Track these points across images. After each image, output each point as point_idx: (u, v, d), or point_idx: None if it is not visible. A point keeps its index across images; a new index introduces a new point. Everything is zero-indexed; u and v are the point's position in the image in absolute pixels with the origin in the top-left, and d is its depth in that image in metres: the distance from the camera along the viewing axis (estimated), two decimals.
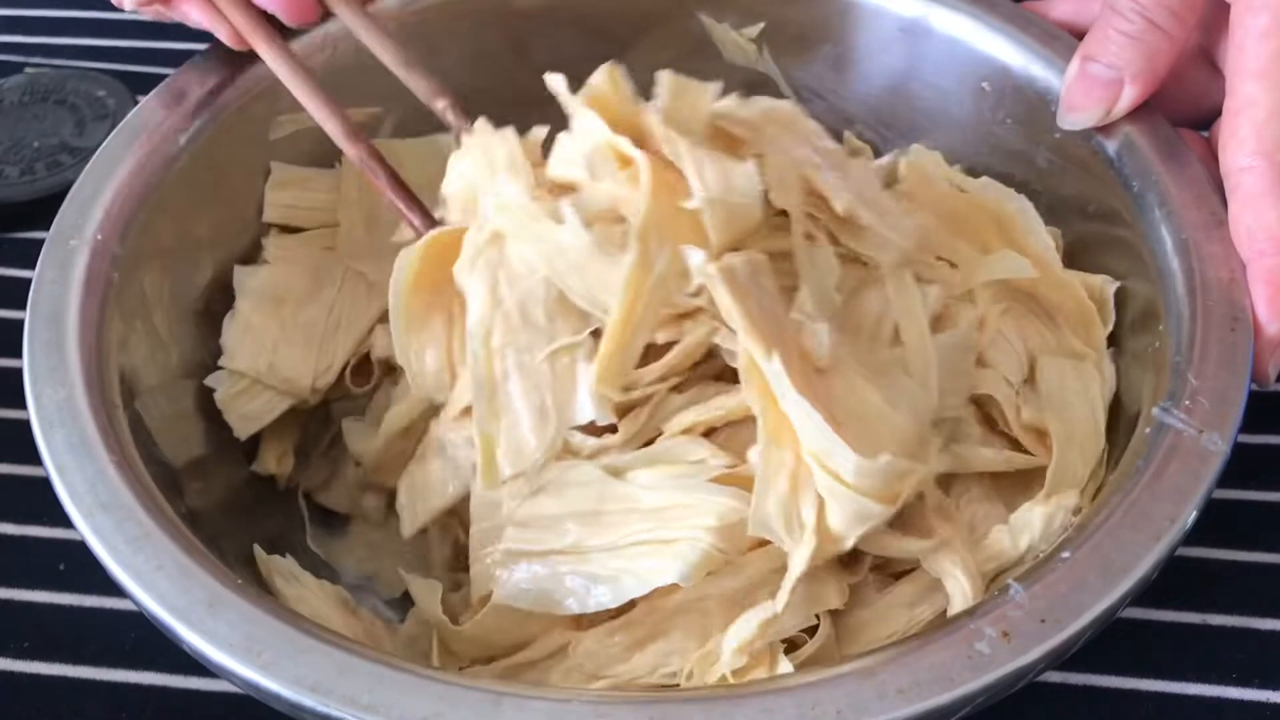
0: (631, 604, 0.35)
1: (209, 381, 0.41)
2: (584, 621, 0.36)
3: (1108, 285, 0.41)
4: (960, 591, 0.35)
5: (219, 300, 0.43)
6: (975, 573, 0.35)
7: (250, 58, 0.43)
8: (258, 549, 0.38)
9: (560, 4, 0.44)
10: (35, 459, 0.34)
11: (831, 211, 0.38)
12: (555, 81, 0.36)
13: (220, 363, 0.42)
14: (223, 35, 0.42)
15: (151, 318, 0.40)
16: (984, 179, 0.45)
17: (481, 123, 0.38)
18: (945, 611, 0.36)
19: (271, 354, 0.42)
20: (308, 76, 0.41)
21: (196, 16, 0.42)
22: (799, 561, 0.33)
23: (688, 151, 0.34)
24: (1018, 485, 0.39)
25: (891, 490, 0.33)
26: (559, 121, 0.37)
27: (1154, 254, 0.38)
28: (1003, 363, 0.40)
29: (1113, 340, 0.41)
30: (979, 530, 0.38)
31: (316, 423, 0.44)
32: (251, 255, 0.44)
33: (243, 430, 0.41)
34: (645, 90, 0.37)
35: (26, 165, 0.55)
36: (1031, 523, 0.36)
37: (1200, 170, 0.39)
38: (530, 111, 0.38)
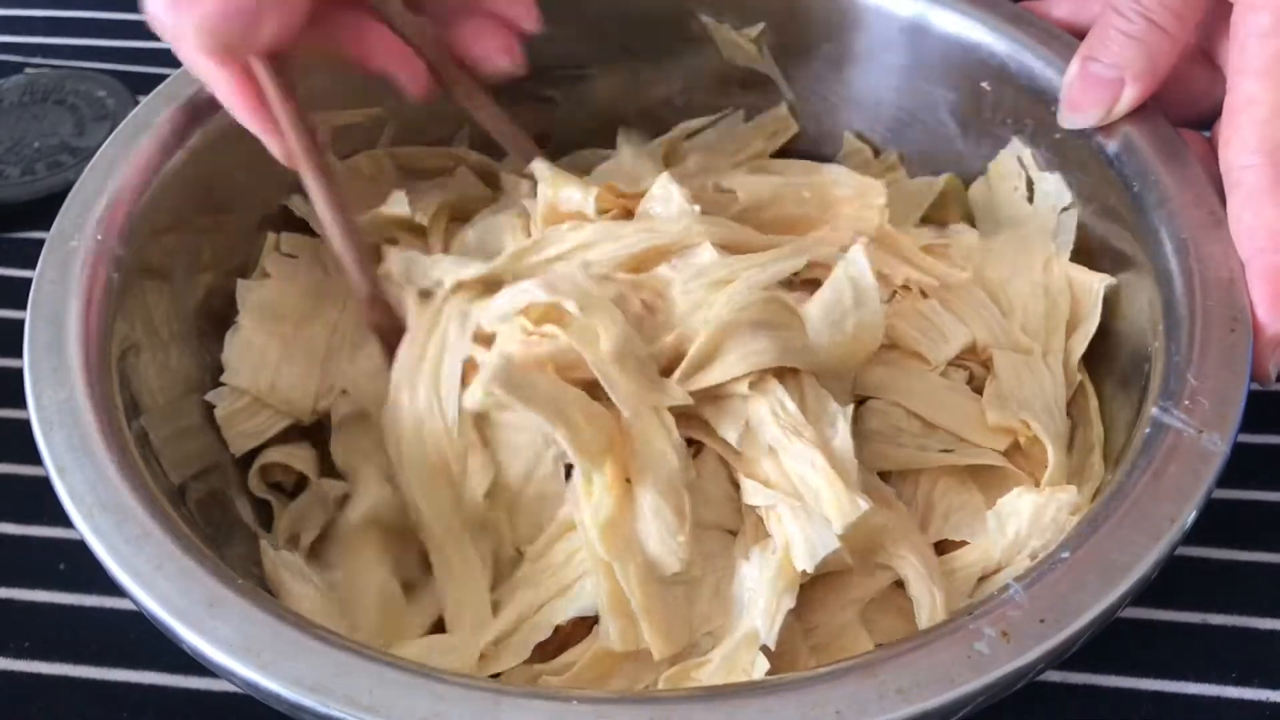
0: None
1: (210, 397, 0.41)
2: (549, 650, 0.36)
3: (1101, 283, 0.41)
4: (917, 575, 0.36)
5: (220, 302, 0.43)
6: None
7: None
8: (264, 544, 0.38)
9: (559, 5, 0.44)
10: (35, 459, 0.33)
11: None
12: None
13: (222, 379, 0.41)
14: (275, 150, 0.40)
15: (152, 318, 0.40)
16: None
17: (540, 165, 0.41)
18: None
19: (274, 374, 0.42)
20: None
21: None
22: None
23: None
24: (991, 473, 0.39)
25: None
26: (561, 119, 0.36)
27: (1154, 254, 0.38)
28: (930, 348, 0.41)
29: (1111, 341, 0.41)
30: (954, 518, 0.38)
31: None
32: (253, 258, 0.44)
33: (239, 447, 0.41)
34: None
35: (26, 165, 0.55)
36: (1019, 510, 0.36)
37: (1200, 170, 0.39)
38: (528, 110, 0.38)
